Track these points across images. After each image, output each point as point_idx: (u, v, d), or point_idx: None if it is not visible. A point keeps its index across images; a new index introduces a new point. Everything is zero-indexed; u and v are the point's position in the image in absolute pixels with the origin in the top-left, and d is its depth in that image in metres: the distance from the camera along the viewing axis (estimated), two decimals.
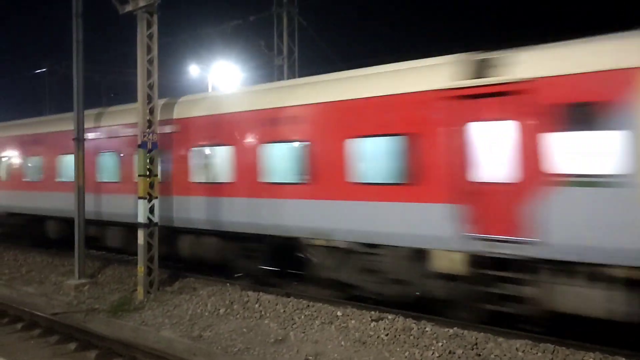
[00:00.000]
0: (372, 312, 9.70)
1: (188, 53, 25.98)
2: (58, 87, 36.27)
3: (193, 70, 25.51)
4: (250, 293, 11.45)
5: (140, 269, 11.98)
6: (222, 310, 10.72)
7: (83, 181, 13.48)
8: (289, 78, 18.75)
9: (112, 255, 16.63)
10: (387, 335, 8.74)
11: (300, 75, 19.04)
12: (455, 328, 8.71)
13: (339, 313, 9.84)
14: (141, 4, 11.64)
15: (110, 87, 35.19)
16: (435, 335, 8.59)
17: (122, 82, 37.52)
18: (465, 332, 8.55)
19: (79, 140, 13.40)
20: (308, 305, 10.46)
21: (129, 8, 11.79)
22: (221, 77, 23.80)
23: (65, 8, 13.75)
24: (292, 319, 9.89)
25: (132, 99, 15.90)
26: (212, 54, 23.22)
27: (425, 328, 8.80)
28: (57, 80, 35.84)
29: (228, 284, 12.48)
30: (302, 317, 9.90)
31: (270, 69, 19.69)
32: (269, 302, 10.84)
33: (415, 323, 9.02)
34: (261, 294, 11.39)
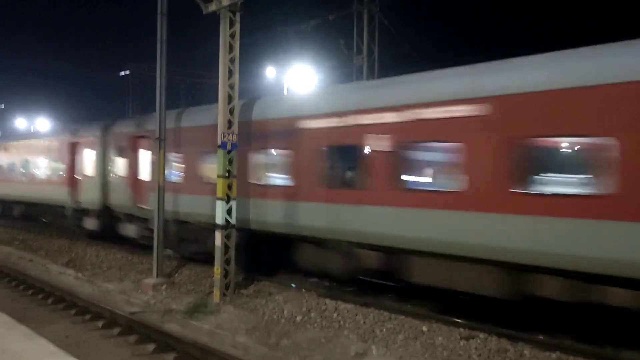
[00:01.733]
0: (462, 329, 9.00)
1: (264, 54, 26.00)
2: (140, 88, 37.61)
3: (269, 72, 25.50)
4: (327, 301, 11.02)
5: (217, 271, 11.82)
6: (298, 318, 10.35)
7: (163, 181, 13.52)
8: (368, 79, 18.26)
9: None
10: (479, 356, 8.04)
11: (380, 76, 18.44)
12: (557, 352, 7.89)
13: (424, 328, 9.20)
14: (225, 2, 11.48)
15: (189, 90, 36.00)
16: None
17: (199, 84, 38.39)
18: (571, 357, 7.72)
19: (161, 139, 13.45)
20: (390, 318, 9.89)
21: (213, 7, 11.67)
22: (297, 79, 23.61)
23: (150, 15, 13.87)
24: (373, 332, 9.36)
25: (209, 100, 16.02)
26: (289, 55, 23.07)
27: (523, 351, 8.02)
28: (140, 82, 37.12)
29: (304, 290, 12.12)
30: (384, 330, 9.34)
31: (348, 70, 19.29)
32: (347, 311, 10.36)
33: (511, 344, 8.24)
34: (339, 302, 10.93)
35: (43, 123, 49.17)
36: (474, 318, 9.61)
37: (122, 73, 37.54)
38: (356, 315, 10.13)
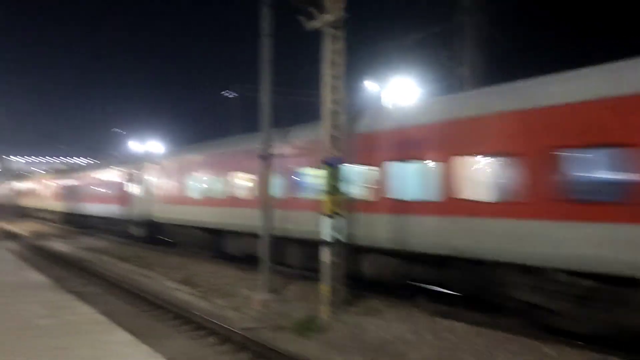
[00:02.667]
0: (595, 354, 8.24)
1: (363, 68, 25.99)
2: (243, 109, 38.99)
3: (369, 86, 25.42)
4: (441, 320, 10.58)
5: (325, 288, 11.76)
6: (410, 337, 10.00)
7: (269, 198, 13.74)
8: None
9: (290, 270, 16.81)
10: None
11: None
12: None
13: (549, 351, 8.53)
14: (328, 19, 11.54)
15: (290, 109, 36.70)
16: None
17: (301, 103, 39.08)
18: None
19: (266, 157, 13.70)
20: (508, 339, 9.30)
21: (316, 25, 11.77)
22: (397, 93, 23.32)
23: (253, 36, 14.22)
24: (492, 354, 8.82)
25: (310, 119, 16.14)
26: (388, 69, 22.88)
27: None
28: (243, 103, 38.48)
29: (414, 307, 11.74)
30: (505, 352, 8.77)
31: (451, 82, 18.72)
32: (463, 331, 9.88)
33: None
34: (453, 321, 10.46)
35: (155, 145, 52.24)
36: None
37: (227, 94, 39.08)
38: (472, 335, 9.62)
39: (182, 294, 15.20)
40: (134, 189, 27.56)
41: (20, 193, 53.04)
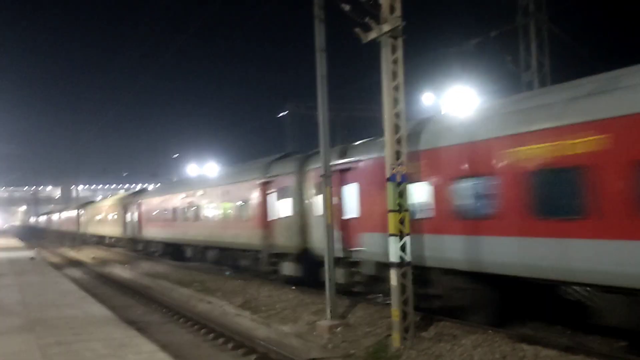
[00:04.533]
0: None
1: (417, 77, 25.21)
2: (299, 127, 38.88)
3: (426, 98, 24.64)
4: (525, 346, 9.66)
5: (395, 312, 11.02)
6: None
7: (332, 219, 13.18)
8: None
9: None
10: None
11: None
12: None
13: None
14: (385, 28, 10.96)
15: (343, 125, 36.29)
16: None
17: (355, 118, 38.66)
18: None
19: (327, 176, 13.17)
20: None
21: (373, 35, 11.20)
22: (456, 102, 22.44)
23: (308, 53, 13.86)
24: None
25: (365, 135, 15.61)
26: (446, 78, 22.04)
27: None
28: (298, 121, 38.36)
29: (491, 332, 10.84)
30: None
31: (516, 88, 17.75)
32: (551, 359, 8.95)
33: None
34: (539, 347, 9.53)
35: (212, 167, 52.83)
36: None
37: (281, 114, 39.08)
38: None
39: (243, 320, 14.78)
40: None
41: (82, 220, 54.71)
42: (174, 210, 29.23)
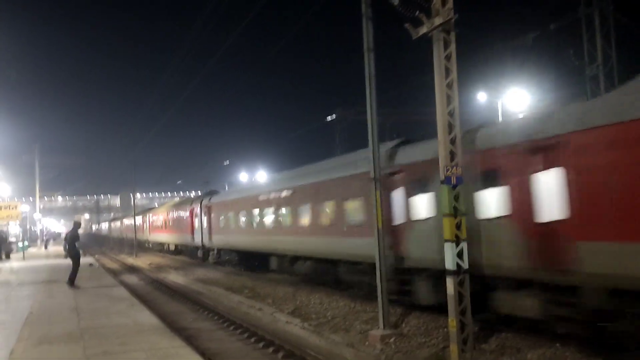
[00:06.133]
0: None
1: (473, 76, 24.21)
2: (347, 132, 38.52)
3: (481, 97, 23.70)
4: None
5: (452, 323, 10.37)
6: None
7: (382, 224, 12.62)
8: (606, 90, 15.38)
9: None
10: None
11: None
12: None
13: None
14: (437, 22, 10.38)
15: (392, 128, 35.67)
16: None
17: (404, 121, 37.99)
18: None
19: (376, 180, 12.65)
20: None
21: (424, 30, 10.64)
22: (514, 101, 21.46)
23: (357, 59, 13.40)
24: None
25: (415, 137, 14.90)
26: (501, 75, 21.07)
27: None
28: (346, 126, 37.97)
29: (559, 345, 10.04)
30: None
31: (577, 84, 16.68)
32: None
33: None
34: None
35: (262, 175, 53.11)
36: None
37: (329, 118, 38.75)
38: None
39: (294, 328, 14.38)
40: None
41: (142, 227, 55.86)
42: (253, 213, 24.49)
